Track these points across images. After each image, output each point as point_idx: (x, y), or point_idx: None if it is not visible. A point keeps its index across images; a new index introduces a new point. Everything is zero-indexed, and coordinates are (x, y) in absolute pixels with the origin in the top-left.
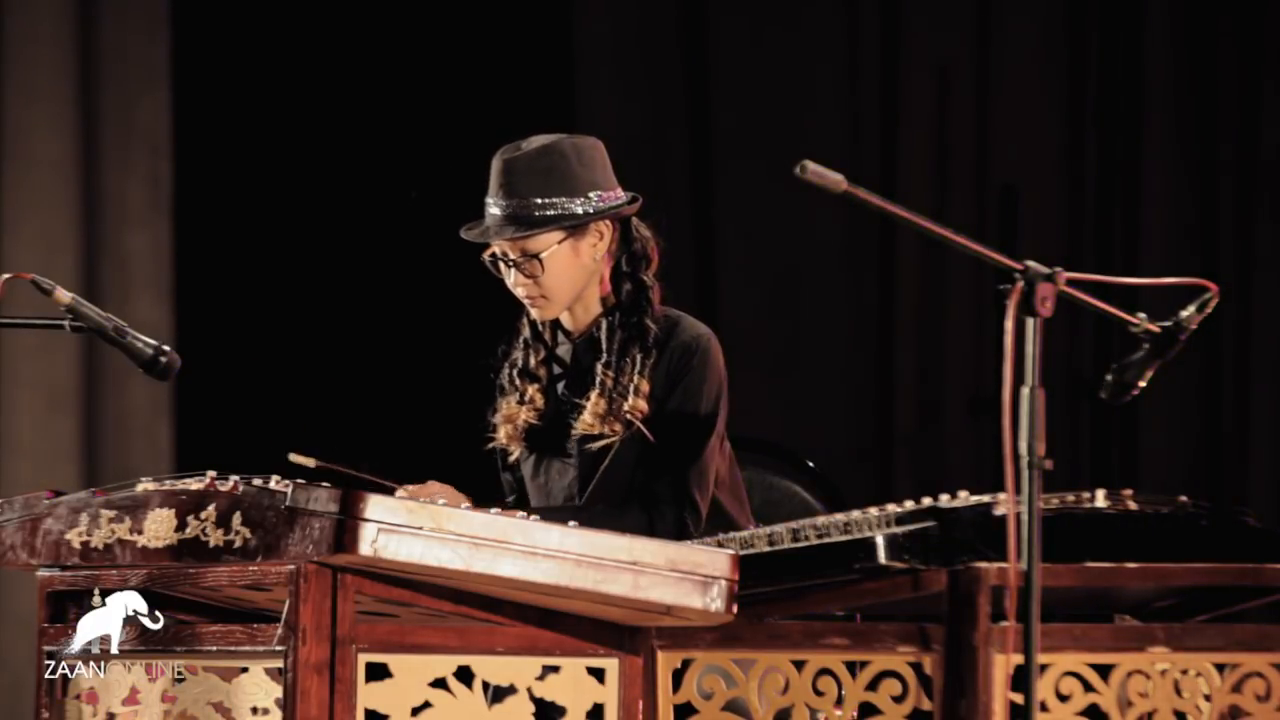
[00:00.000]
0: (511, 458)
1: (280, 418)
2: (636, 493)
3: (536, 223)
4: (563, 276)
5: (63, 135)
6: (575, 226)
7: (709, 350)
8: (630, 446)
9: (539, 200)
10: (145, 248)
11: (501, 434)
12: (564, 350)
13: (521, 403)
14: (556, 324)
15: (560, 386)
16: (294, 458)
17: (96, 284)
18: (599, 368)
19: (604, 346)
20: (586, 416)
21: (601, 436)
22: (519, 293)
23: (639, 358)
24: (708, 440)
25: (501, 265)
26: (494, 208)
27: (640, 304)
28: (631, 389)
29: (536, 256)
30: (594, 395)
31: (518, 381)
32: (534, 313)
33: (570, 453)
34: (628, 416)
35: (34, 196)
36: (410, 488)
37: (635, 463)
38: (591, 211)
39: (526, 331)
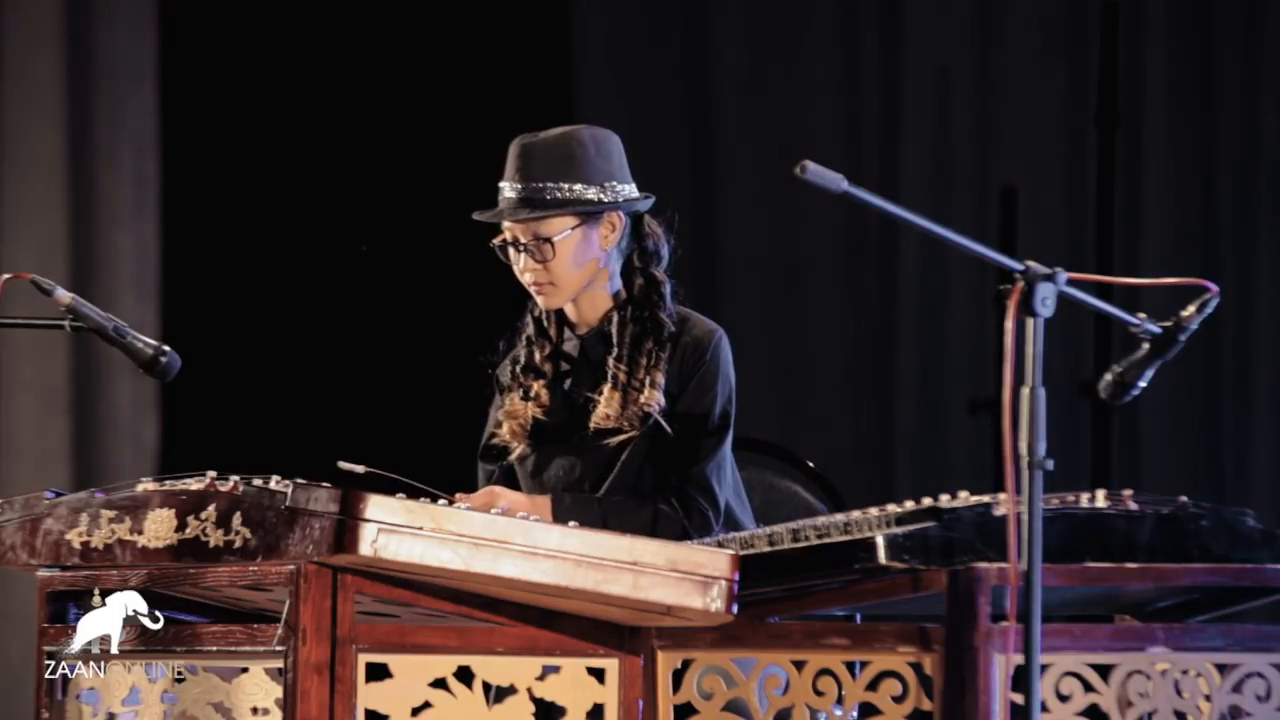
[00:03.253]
0: (513, 455)
1: (267, 418)
2: (655, 487)
3: (551, 205)
4: (572, 263)
5: (49, 135)
6: (589, 214)
7: (720, 346)
8: (647, 441)
9: (555, 184)
10: (131, 247)
11: (505, 430)
12: (570, 346)
13: (526, 399)
14: (561, 319)
15: (568, 382)
16: (343, 465)
17: (83, 283)
18: (610, 361)
19: (615, 340)
20: (602, 410)
21: (619, 431)
22: (526, 279)
23: (654, 351)
24: (723, 434)
25: (511, 250)
26: (509, 191)
27: (653, 298)
28: (647, 382)
29: (548, 240)
30: (607, 389)
31: (522, 377)
32: (540, 300)
33: (578, 448)
34: (644, 410)
35: (20, 196)
36: (464, 496)
37: (651, 457)
38: (606, 201)
39: (530, 328)
